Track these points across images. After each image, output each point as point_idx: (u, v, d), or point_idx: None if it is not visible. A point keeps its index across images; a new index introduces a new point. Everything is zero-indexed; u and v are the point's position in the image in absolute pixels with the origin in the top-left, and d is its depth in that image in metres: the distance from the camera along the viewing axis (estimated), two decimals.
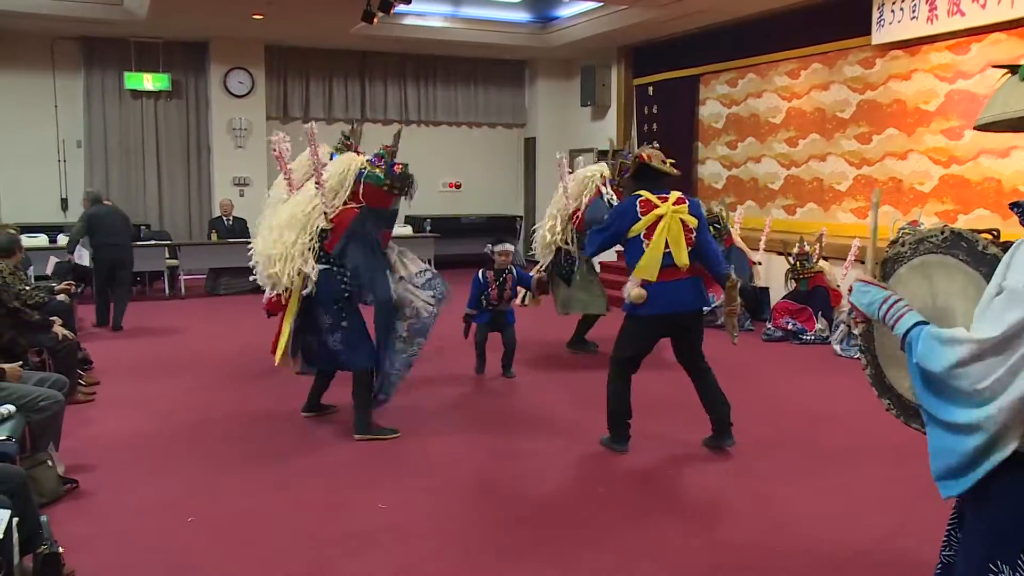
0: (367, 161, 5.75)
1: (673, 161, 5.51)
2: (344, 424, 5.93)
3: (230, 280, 12.46)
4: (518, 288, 7.58)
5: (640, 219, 5.18)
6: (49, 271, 9.58)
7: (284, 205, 5.78)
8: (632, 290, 5.16)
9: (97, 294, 10.01)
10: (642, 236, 5.18)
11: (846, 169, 10.93)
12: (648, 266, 5.15)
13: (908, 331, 2.23)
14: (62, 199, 13.79)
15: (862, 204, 10.70)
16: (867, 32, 10.05)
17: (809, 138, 11.50)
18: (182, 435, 5.81)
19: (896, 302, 2.31)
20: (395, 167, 5.70)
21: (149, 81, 13.93)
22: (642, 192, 5.27)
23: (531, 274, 7.68)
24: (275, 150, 5.96)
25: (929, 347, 2.14)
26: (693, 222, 5.23)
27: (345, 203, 5.60)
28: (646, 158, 5.33)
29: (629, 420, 5.44)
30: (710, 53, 12.88)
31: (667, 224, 5.15)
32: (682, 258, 5.16)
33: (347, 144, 6.19)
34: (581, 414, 6.22)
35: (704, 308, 5.63)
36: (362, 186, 5.61)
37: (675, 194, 5.29)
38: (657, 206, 5.20)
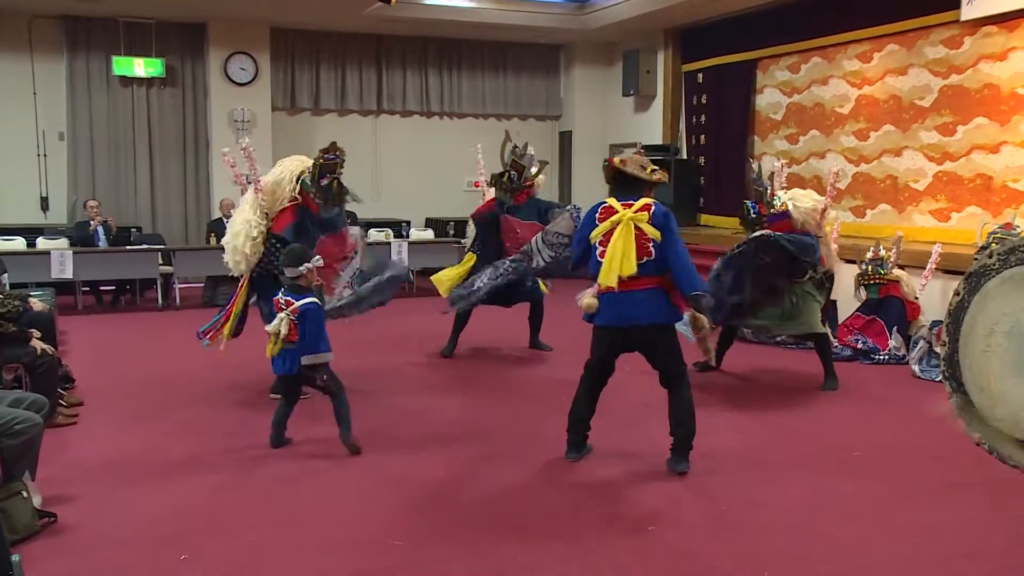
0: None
1: (656, 168, 5.70)
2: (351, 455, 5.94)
3: (230, 289, 12.46)
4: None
5: (597, 225, 5.49)
6: None
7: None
8: (584, 299, 5.49)
9: None
10: (598, 243, 5.49)
11: (925, 165, 10.81)
12: (604, 274, 5.39)
13: None
14: (42, 198, 13.90)
15: (943, 205, 10.56)
16: (955, 6, 9.93)
17: (882, 130, 11.40)
18: (174, 462, 5.78)
19: None
20: (322, 179, 6.97)
21: (140, 66, 14.03)
22: (608, 199, 5.59)
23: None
24: (233, 161, 7.57)
25: None
26: (654, 232, 5.37)
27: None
28: (618, 163, 5.58)
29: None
30: (769, 34, 12.84)
31: (621, 231, 5.39)
32: (627, 268, 5.34)
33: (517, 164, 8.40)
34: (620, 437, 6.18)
35: (665, 322, 5.62)
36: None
37: (643, 201, 5.48)
38: (616, 212, 5.46)
